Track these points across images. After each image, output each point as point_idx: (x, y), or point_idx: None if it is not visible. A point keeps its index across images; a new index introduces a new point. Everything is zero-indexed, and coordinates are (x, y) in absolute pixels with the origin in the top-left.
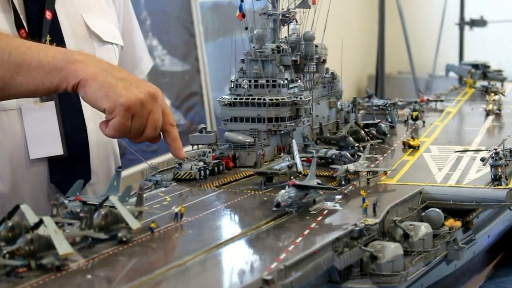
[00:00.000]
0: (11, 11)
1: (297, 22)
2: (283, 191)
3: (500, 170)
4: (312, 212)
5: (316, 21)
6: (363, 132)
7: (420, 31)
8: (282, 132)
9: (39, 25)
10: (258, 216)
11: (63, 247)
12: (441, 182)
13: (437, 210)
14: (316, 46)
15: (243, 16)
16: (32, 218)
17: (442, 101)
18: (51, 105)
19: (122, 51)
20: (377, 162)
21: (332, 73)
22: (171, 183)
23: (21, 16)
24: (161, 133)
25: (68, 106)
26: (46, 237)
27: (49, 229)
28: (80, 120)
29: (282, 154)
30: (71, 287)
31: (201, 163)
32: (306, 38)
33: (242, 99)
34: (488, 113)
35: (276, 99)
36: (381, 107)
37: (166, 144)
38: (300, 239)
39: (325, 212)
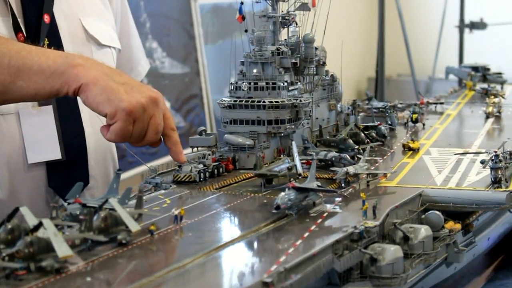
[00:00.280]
0: (9, 15)
1: (297, 24)
2: (283, 193)
3: (500, 173)
4: (312, 214)
5: (316, 23)
6: (363, 134)
7: (420, 33)
8: (282, 134)
9: (37, 28)
10: (258, 219)
11: (62, 249)
12: (441, 185)
13: (437, 212)
14: (316, 48)
15: (243, 18)
16: (31, 221)
17: (442, 103)
18: (49, 109)
19: (119, 54)
20: (377, 164)
21: (332, 75)
22: (171, 186)
23: (19, 20)
24: (161, 137)
25: (66, 110)
26: (46, 239)
27: (49, 231)
28: (78, 124)
29: (282, 156)
30: None
31: (201, 166)
32: (306, 40)
33: (242, 101)
34: (488, 115)
35: (276, 102)
36: (381, 109)
37: (166, 147)
38: (300, 241)
39: (325, 214)
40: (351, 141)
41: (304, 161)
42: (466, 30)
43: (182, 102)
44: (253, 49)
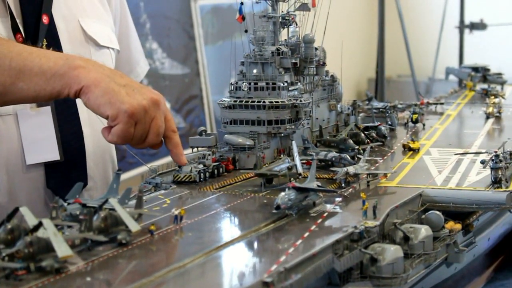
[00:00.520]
0: (7, 15)
1: (296, 24)
2: (283, 193)
3: (500, 173)
4: (312, 214)
5: (316, 23)
6: (363, 134)
7: (420, 34)
8: (282, 134)
9: (36, 29)
10: (258, 219)
11: (62, 249)
12: (441, 185)
13: (437, 212)
14: (316, 48)
15: (243, 18)
16: (31, 221)
17: (442, 104)
18: (47, 110)
19: (118, 55)
20: (377, 164)
21: (332, 75)
22: (171, 186)
23: (18, 20)
24: (162, 139)
25: (64, 111)
26: (46, 239)
27: (49, 231)
28: (77, 125)
29: (282, 156)
30: None
31: (201, 166)
32: (306, 40)
33: (242, 101)
34: (488, 116)
35: (276, 102)
36: (381, 109)
37: (166, 149)
38: (300, 241)
39: (325, 214)
40: (351, 141)
41: (304, 161)
42: (466, 31)
43: (182, 103)
44: (253, 50)
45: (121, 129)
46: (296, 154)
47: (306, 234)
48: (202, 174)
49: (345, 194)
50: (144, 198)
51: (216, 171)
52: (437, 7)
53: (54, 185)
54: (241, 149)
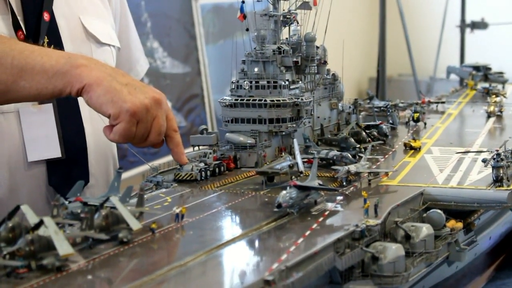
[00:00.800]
0: (8, 13)
1: (298, 23)
2: (284, 192)
3: (501, 172)
4: (313, 213)
5: (317, 22)
6: (364, 133)
7: (421, 33)
8: (283, 133)
9: (37, 26)
10: (259, 217)
11: (63, 247)
12: (442, 184)
13: (439, 211)
14: (317, 47)
15: (244, 17)
16: (32, 219)
17: (443, 102)
18: (49, 108)
19: (118, 52)
20: (378, 163)
21: (333, 74)
22: (172, 184)
23: (19, 18)
24: (163, 138)
25: (66, 108)
26: (47, 237)
27: (50, 229)
28: (78, 122)
29: (283, 154)
30: None
31: (202, 164)
32: (307, 39)
33: (243, 100)
34: (489, 115)
35: (277, 100)
36: (382, 108)
37: (168, 147)
38: (301, 240)
39: (326, 213)
40: (352, 140)
41: (305, 159)
42: (467, 30)
43: (183, 102)
44: (254, 48)
45: (123, 128)
46: (297, 152)
47: (307, 233)
48: (203, 172)
49: (347, 192)
50: (145, 196)
51: (217, 169)
52: (438, 6)
53: (56, 183)
54: (242, 147)
